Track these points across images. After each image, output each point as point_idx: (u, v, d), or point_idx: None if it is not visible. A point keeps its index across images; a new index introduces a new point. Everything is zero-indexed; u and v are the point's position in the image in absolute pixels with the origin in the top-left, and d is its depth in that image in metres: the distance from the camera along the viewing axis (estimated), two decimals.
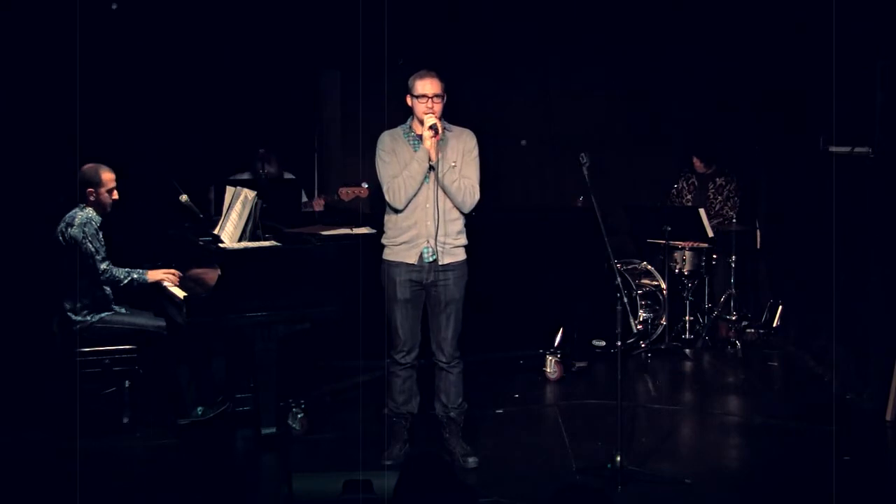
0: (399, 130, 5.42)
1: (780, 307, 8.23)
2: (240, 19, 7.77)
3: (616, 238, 7.74)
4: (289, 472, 4.91)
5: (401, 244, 5.38)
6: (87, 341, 5.90)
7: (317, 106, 8.56)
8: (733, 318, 8.18)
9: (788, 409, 6.67)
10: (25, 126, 7.07)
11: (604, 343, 7.57)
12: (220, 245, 5.67)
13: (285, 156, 7.73)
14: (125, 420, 5.94)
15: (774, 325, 8.23)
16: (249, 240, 5.69)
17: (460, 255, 5.43)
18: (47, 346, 6.09)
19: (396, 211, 5.36)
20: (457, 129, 5.44)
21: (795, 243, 7.95)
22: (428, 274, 5.37)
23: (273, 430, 5.57)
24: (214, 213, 6.34)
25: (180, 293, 5.71)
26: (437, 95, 5.27)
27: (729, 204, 8.28)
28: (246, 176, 7.56)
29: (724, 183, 8.32)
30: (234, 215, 5.78)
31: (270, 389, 5.55)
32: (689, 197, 8.42)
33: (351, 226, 6.17)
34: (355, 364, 6.50)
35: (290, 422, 5.94)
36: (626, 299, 5.41)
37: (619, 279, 5.36)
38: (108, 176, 5.95)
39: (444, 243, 5.35)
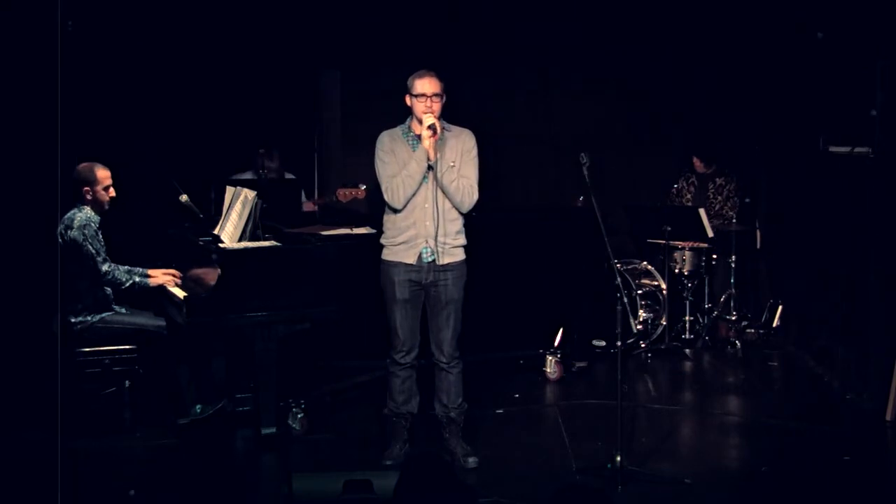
0: (398, 130, 5.41)
1: (780, 307, 8.22)
2: (240, 19, 7.78)
3: (616, 238, 7.72)
4: (289, 472, 4.90)
5: (400, 244, 5.37)
6: (87, 341, 5.89)
7: (317, 106, 8.56)
8: (733, 318, 8.18)
9: (788, 409, 6.67)
10: (25, 126, 7.05)
11: (604, 343, 7.57)
12: (220, 245, 5.67)
13: (285, 156, 7.75)
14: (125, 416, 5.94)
15: (774, 325, 8.22)
16: (249, 240, 5.69)
17: (459, 255, 5.42)
18: (47, 346, 6.08)
19: (395, 211, 5.35)
20: (456, 129, 5.42)
21: (795, 243, 7.94)
22: (427, 274, 5.36)
23: (273, 430, 5.57)
24: (214, 213, 6.34)
25: (180, 293, 5.72)
26: (435, 95, 5.26)
27: (729, 204, 8.28)
28: (248, 175, 7.57)
29: (724, 183, 8.32)
30: (234, 215, 5.78)
31: (270, 389, 5.55)
32: (689, 197, 8.41)
33: (351, 226, 6.16)
34: (355, 364, 6.49)
35: (290, 422, 5.93)
36: (626, 299, 5.40)
37: (619, 279, 5.35)
38: (103, 173, 5.91)
39: (444, 243, 5.33)
